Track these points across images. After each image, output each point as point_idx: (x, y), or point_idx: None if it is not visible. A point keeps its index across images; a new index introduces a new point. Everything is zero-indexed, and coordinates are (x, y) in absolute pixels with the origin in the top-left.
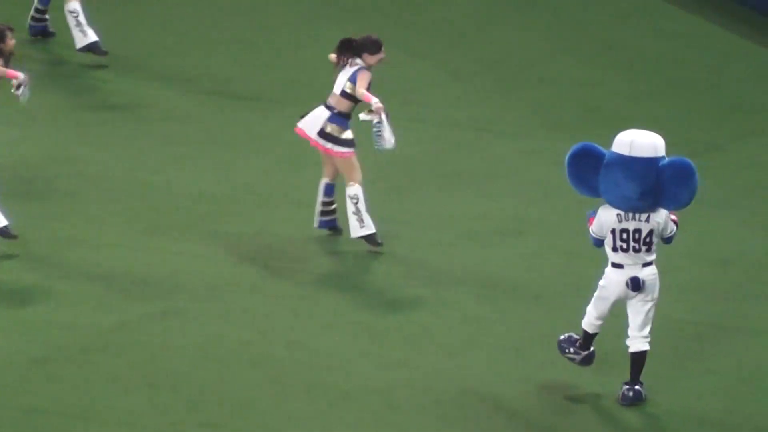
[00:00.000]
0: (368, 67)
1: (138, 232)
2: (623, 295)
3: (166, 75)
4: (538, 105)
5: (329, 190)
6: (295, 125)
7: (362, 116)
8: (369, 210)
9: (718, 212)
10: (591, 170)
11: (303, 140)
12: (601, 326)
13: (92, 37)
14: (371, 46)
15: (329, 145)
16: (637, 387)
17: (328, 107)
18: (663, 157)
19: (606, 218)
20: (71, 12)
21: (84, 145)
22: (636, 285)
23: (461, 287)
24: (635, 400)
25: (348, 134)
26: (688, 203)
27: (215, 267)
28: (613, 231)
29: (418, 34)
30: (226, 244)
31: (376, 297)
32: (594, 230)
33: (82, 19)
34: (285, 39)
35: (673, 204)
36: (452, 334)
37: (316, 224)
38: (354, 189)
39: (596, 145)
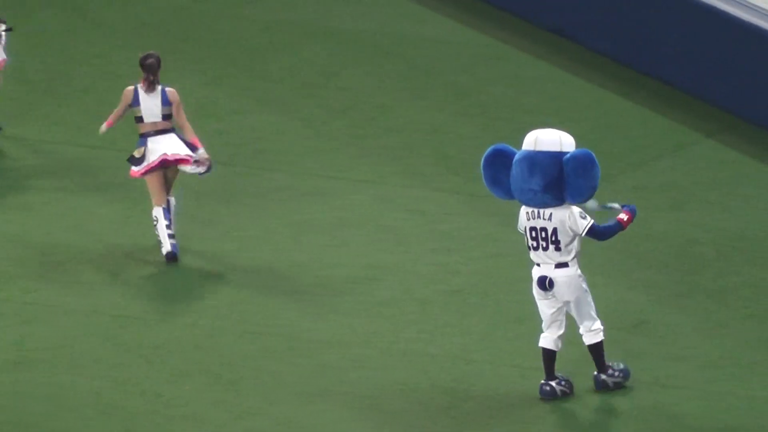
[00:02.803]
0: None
1: None
2: (541, 295)
3: (18, 125)
4: (390, 152)
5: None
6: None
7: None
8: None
9: None
10: (504, 170)
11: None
12: (557, 340)
13: None
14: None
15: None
16: (602, 376)
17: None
18: (566, 152)
19: (521, 216)
20: None
21: None
22: (542, 284)
23: (315, 335)
24: (602, 387)
25: (138, 152)
26: (590, 195)
27: (67, 317)
28: (525, 229)
29: (269, 83)
30: (78, 293)
31: (230, 346)
32: (519, 227)
33: None
34: None
35: (577, 196)
36: (306, 382)
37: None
38: (154, 211)
39: (508, 146)
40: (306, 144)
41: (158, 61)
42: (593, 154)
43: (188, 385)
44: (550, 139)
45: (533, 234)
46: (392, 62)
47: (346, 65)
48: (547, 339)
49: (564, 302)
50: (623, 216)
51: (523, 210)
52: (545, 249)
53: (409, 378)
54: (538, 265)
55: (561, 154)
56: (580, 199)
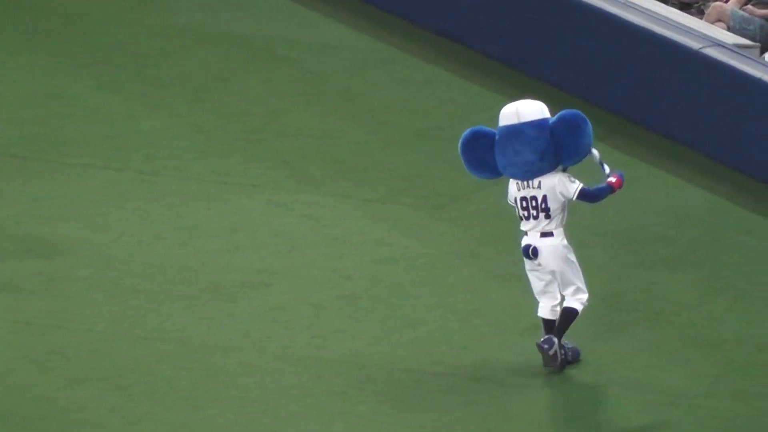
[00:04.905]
0: None
1: None
2: (529, 264)
3: None
4: (282, 157)
5: None
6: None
7: None
8: None
9: (463, 262)
10: (487, 150)
11: (48, 196)
12: (554, 309)
13: None
14: None
15: None
16: (555, 339)
17: None
18: (549, 118)
19: (510, 188)
20: None
21: None
22: (526, 252)
23: (208, 340)
24: (549, 344)
25: None
26: (587, 151)
27: None
28: (515, 200)
29: (159, 88)
30: None
31: (124, 351)
32: (509, 199)
33: None
34: (28, 92)
35: (575, 155)
36: (197, 387)
37: None
38: None
39: (483, 127)
40: (197, 149)
41: None
42: (581, 112)
43: (83, 390)
44: (531, 110)
45: (524, 204)
46: (284, 67)
47: (238, 70)
48: (544, 309)
49: (551, 272)
50: (612, 179)
51: (513, 181)
52: (536, 218)
53: (302, 383)
54: (527, 234)
55: (545, 120)
56: (577, 159)
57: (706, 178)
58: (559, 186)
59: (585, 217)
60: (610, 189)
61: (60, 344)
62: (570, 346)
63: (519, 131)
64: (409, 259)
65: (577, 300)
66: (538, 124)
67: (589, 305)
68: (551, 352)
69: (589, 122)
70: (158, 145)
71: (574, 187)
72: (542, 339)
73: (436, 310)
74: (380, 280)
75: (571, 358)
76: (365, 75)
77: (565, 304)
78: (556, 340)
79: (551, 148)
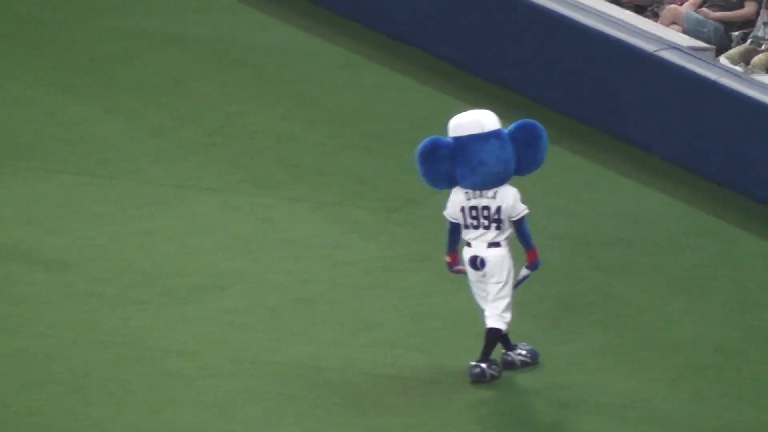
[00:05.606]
0: None
1: None
2: (474, 275)
3: None
4: (238, 160)
5: None
6: None
7: None
8: None
9: (417, 265)
10: (445, 160)
11: (3, 200)
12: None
13: None
14: None
15: None
16: (482, 365)
17: None
18: (501, 128)
19: (456, 198)
20: None
21: None
22: (473, 263)
23: (163, 343)
24: (478, 377)
25: None
26: (543, 160)
27: None
28: (462, 209)
29: (116, 91)
30: None
31: (80, 355)
32: (449, 213)
33: None
34: None
35: (533, 164)
36: (156, 390)
37: None
38: None
39: (439, 137)
40: (154, 152)
41: None
42: (537, 122)
43: (38, 395)
44: (491, 119)
45: (473, 213)
46: (241, 71)
47: (194, 73)
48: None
49: (495, 283)
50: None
51: (460, 191)
52: (486, 228)
53: (259, 386)
54: (469, 245)
55: (502, 130)
56: (534, 168)
57: (663, 181)
58: (512, 201)
59: (540, 220)
60: (534, 251)
61: (15, 348)
62: (528, 347)
63: (485, 141)
64: (365, 262)
65: (502, 319)
66: (499, 134)
67: (546, 308)
68: (486, 379)
69: (545, 132)
70: (114, 149)
71: (522, 208)
72: (472, 364)
73: (391, 313)
74: (336, 283)
75: (531, 360)
76: (321, 78)
77: (490, 324)
78: (484, 365)
79: (513, 155)
